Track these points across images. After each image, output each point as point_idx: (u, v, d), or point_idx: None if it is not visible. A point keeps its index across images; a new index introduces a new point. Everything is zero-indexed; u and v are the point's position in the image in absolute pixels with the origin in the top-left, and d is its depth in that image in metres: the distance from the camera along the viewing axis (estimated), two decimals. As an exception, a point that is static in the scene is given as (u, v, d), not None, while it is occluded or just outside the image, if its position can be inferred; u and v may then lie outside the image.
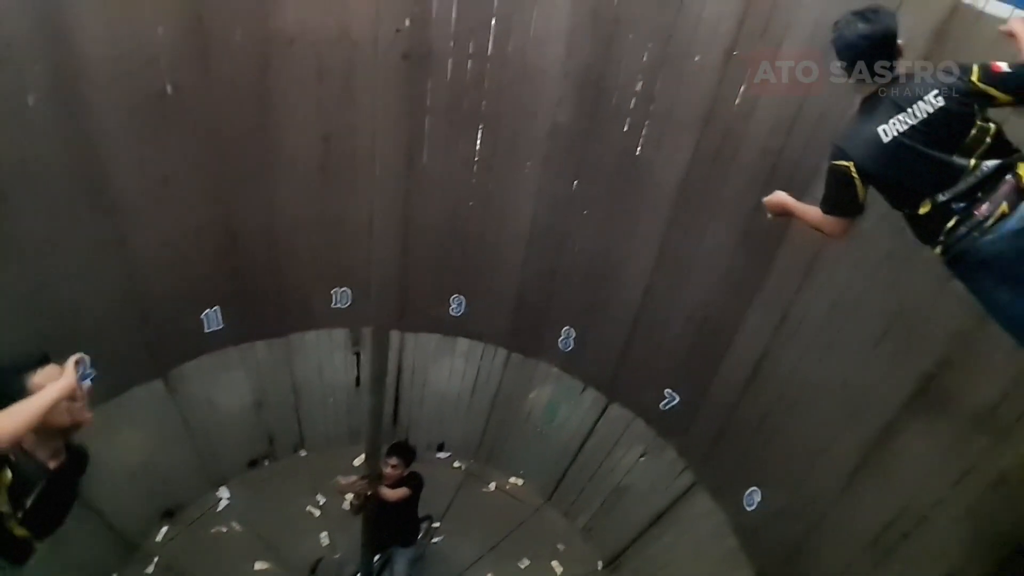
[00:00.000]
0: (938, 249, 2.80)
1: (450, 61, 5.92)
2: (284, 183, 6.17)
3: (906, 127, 2.69)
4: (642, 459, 6.60)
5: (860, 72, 2.85)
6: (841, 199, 2.89)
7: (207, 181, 5.87)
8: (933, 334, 4.53)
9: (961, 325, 4.36)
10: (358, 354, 7.04)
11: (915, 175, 2.70)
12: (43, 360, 2.58)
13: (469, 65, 5.94)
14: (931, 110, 2.67)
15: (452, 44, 5.84)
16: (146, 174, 5.60)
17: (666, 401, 6.34)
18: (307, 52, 5.71)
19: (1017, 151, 2.67)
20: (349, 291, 6.73)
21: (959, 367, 4.38)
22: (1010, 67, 2.69)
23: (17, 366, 2.56)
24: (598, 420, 6.87)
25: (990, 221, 2.56)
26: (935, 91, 2.68)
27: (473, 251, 6.62)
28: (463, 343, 7.13)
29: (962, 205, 2.63)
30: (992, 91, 2.64)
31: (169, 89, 5.49)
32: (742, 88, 5.34)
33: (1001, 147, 2.65)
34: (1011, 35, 3.01)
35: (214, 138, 5.75)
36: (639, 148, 5.79)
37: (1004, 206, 2.54)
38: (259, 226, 6.26)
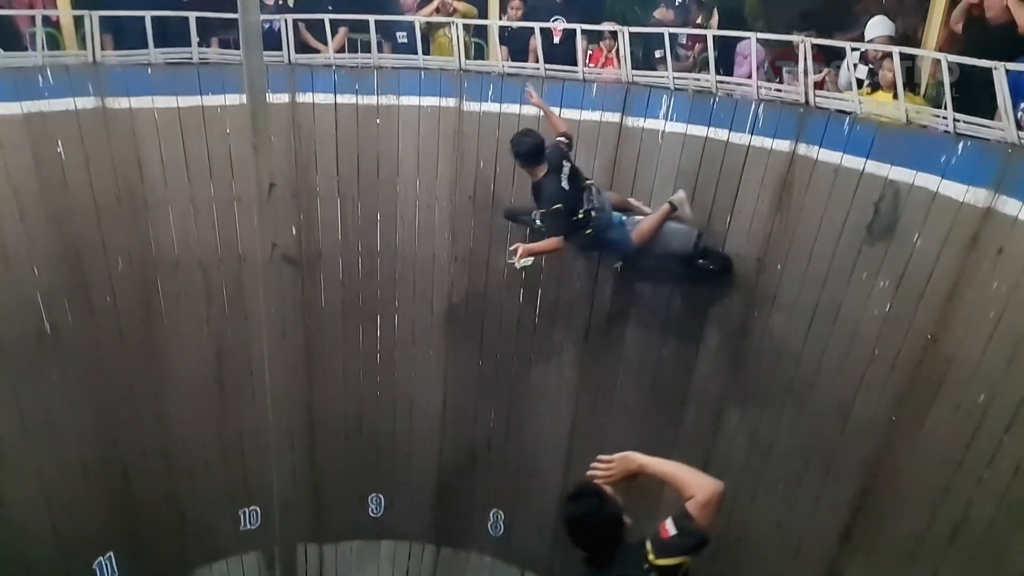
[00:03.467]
0: (589, 230, 4.88)
1: (340, 260, 6.06)
2: (178, 406, 5.88)
3: (567, 179, 4.77)
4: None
5: (527, 167, 4.79)
6: (563, 227, 4.77)
7: (92, 416, 5.53)
8: (848, 465, 4.55)
9: (872, 453, 4.42)
10: (275, 577, 6.40)
11: (579, 199, 4.82)
12: None
13: (360, 261, 6.08)
14: (567, 169, 4.80)
15: (341, 244, 6.00)
16: (24, 420, 5.24)
17: (610, 574, 5.96)
18: (193, 271, 5.73)
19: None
20: (258, 509, 6.22)
21: (881, 495, 4.36)
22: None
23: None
24: (543, 609, 6.35)
25: (602, 208, 4.91)
26: (562, 159, 4.79)
27: (385, 445, 6.36)
28: (387, 546, 6.62)
29: (592, 206, 4.86)
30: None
31: (48, 328, 5.32)
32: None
33: (584, 176, 4.98)
34: (539, 107, 5.12)
35: (99, 371, 5.52)
36: (536, 316, 5.91)
37: (598, 199, 4.92)
38: (153, 455, 5.85)
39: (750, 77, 5.16)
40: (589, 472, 2.73)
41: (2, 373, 5.11)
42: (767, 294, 5.03)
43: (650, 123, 5.43)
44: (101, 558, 5.73)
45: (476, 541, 6.53)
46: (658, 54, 5.74)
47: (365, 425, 6.34)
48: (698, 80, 5.37)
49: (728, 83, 5.27)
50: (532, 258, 4.71)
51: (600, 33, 5.74)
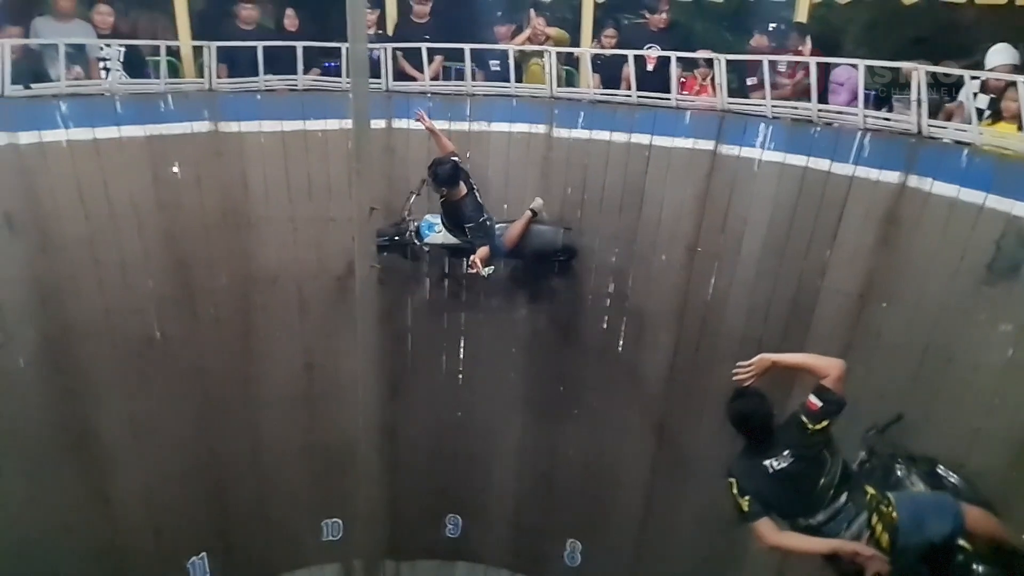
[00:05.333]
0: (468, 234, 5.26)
1: (427, 281, 6.16)
2: (269, 415, 6.13)
3: (478, 194, 5.28)
4: None
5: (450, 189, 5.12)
6: (487, 235, 5.26)
7: (191, 423, 5.84)
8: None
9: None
10: (352, 590, 6.51)
11: (464, 213, 5.17)
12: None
13: (446, 284, 6.17)
14: (475, 185, 5.26)
15: (427, 267, 6.11)
16: (131, 423, 5.59)
17: (690, 616, 5.74)
18: (289, 288, 5.98)
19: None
20: (340, 522, 6.37)
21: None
22: None
23: None
24: (620, 648, 6.17)
25: (491, 217, 5.36)
26: (468, 177, 5.22)
27: (464, 466, 6.39)
28: (462, 567, 6.62)
29: (487, 216, 5.26)
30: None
31: (158, 335, 5.67)
32: (712, 280, 5.51)
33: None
34: (430, 130, 5.22)
35: (199, 378, 5.83)
36: (620, 346, 5.83)
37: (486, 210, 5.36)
38: (244, 461, 6.11)
39: (848, 104, 4.96)
40: (734, 376, 3.46)
41: (116, 376, 5.46)
42: (869, 332, 4.75)
43: (745, 152, 5.29)
44: (195, 558, 6.02)
45: (551, 570, 6.43)
46: (750, 82, 5.61)
47: (445, 445, 6.40)
48: (795, 108, 5.21)
49: (829, 111, 5.08)
50: (492, 266, 5.19)
51: (694, 61, 5.65)
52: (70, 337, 5.27)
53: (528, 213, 5.52)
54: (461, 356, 6.30)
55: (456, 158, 5.20)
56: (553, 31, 6.15)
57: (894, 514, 3.17)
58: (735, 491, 3.23)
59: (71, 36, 5.46)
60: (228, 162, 5.77)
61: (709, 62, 5.48)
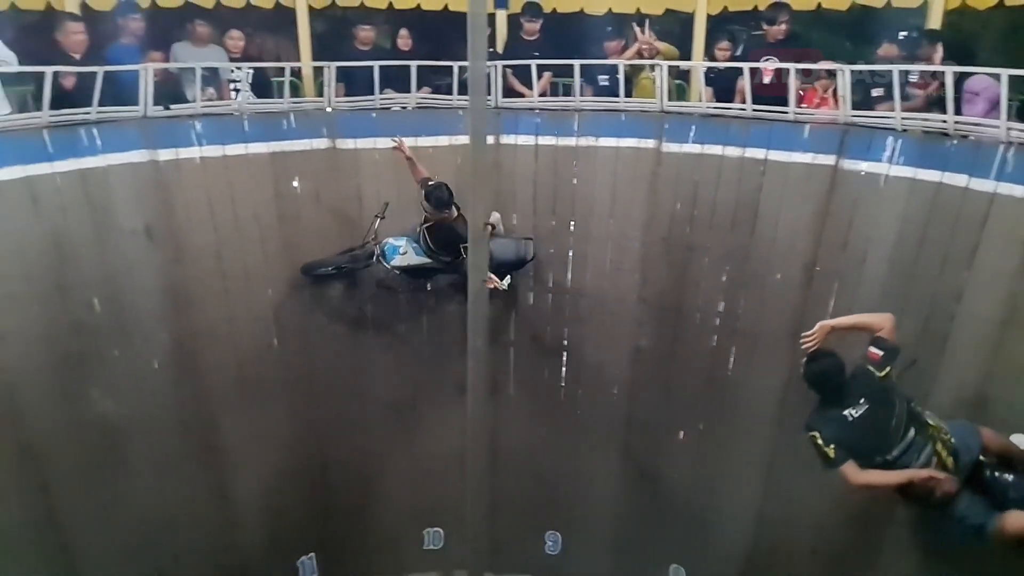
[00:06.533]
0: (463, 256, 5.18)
1: (531, 294, 6.18)
2: (376, 423, 6.29)
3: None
4: None
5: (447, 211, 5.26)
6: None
7: (303, 427, 6.08)
8: None
9: None
10: (451, 602, 6.56)
11: (459, 234, 5.04)
12: None
13: (549, 299, 6.18)
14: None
15: (532, 281, 6.13)
16: (250, 424, 5.86)
17: (800, 655, 5.44)
18: (399, 299, 6.13)
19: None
20: (441, 531, 6.45)
21: None
22: None
23: None
24: None
25: None
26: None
27: (565, 483, 6.33)
28: (561, 587, 6.56)
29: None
30: None
31: (275, 342, 5.94)
32: (832, 301, 5.25)
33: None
34: (408, 158, 5.26)
35: (311, 384, 6.07)
36: (729, 369, 5.64)
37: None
38: (352, 466, 6.30)
39: (985, 115, 4.63)
40: (803, 345, 3.85)
41: (237, 380, 5.76)
42: (1012, 362, 4.39)
43: (870, 167, 5.02)
44: (304, 557, 6.25)
45: (653, 596, 6.28)
46: (874, 93, 5.33)
47: (546, 461, 6.36)
48: (926, 120, 4.91)
49: (966, 123, 4.76)
50: (508, 277, 5.43)
51: (814, 72, 5.43)
52: (197, 341, 5.61)
53: (487, 228, 5.57)
54: (563, 372, 6.27)
55: (432, 182, 5.27)
56: (662, 46, 6.07)
57: (952, 440, 3.63)
58: (820, 442, 3.64)
59: (207, 60, 5.86)
60: (344, 177, 6.00)
61: (830, 73, 5.26)
